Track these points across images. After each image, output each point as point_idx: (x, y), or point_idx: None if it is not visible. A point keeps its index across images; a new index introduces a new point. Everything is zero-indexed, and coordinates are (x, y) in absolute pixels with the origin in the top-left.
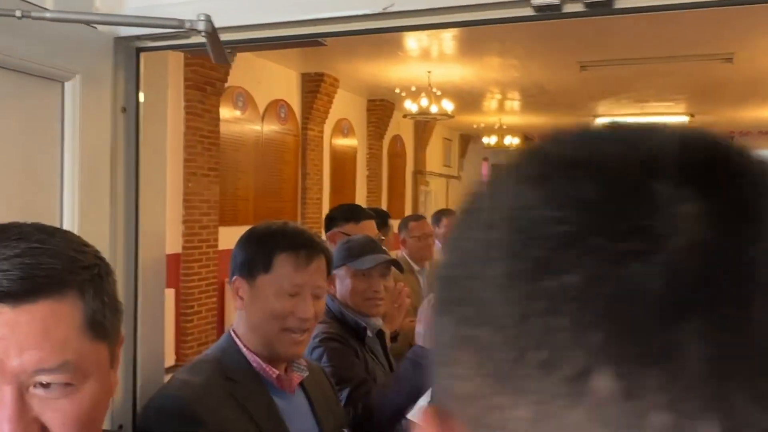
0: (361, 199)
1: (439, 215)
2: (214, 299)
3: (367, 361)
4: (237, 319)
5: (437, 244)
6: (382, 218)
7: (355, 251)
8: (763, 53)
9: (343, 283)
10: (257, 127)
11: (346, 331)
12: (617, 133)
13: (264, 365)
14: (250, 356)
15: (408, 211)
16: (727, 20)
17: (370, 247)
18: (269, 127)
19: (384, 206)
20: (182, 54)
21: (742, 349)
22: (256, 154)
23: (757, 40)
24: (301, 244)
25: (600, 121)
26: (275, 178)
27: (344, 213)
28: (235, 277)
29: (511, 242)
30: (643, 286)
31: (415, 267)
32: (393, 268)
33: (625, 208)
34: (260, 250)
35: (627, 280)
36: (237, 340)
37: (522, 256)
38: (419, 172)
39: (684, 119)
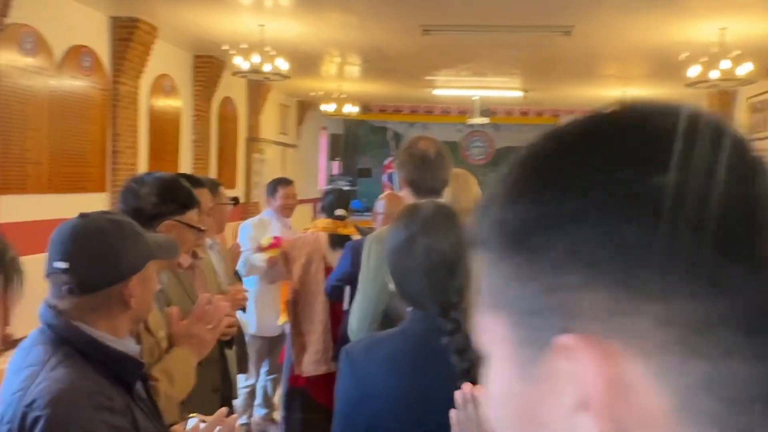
0: (186, 166)
1: (275, 185)
2: None
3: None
4: None
5: (270, 214)
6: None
7: None
8: (599, 27)
9: None
10: (52, 77)
11: (99, 373)
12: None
13: None
14: None
15: (240, 181)
16: None
17: None
18: (69, 78)
19: (213, 174)
20: None
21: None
22: (50, 110)
23: (596, 14)
24: None
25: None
26: (77, 138)
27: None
28: None
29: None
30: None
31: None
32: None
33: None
34: None
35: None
36: None
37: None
38: (253, 138)
39: (519, 94)
